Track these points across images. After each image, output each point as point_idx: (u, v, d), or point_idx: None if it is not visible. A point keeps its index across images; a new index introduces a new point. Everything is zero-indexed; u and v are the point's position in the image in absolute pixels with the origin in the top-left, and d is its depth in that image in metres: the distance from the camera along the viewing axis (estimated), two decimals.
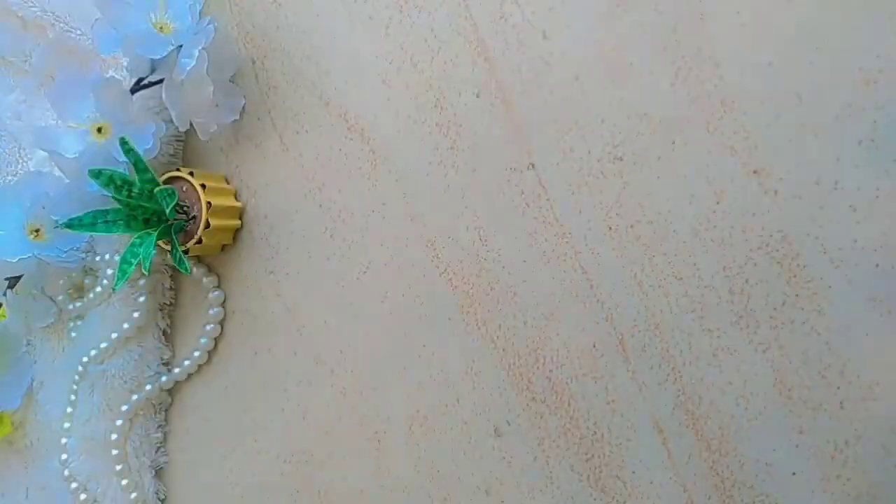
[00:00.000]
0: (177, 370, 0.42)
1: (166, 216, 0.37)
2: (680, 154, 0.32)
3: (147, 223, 0.38)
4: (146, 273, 0.38)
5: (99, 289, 0.42)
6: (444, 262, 0.36)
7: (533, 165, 0.34)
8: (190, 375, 0.43)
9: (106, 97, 0.37)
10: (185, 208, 0.38)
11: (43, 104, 0.45)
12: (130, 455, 0.42)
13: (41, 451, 0.45)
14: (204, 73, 0.36)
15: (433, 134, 0.36)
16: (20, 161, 0.45)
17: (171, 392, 0.43)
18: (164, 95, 0.37)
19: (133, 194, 0.37)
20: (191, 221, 0.38)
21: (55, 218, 0.39)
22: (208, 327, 0.41)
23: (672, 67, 0.32)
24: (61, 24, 0.42)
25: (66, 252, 0.41)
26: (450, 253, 0.36)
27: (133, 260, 0.37)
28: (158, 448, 0.43)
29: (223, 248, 0.41)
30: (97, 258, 0.42)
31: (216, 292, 0.41)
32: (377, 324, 0.38)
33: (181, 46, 0.36)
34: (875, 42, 0.29)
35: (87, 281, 0.43)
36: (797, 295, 0.30)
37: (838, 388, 0.30)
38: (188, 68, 0.35)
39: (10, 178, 0.45)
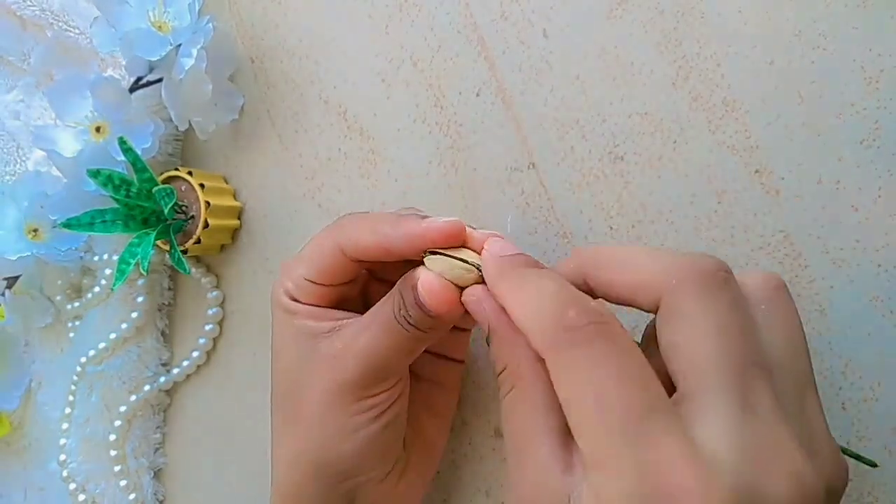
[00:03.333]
0: (175, 371, 0.42)
1: (165, 216, 0.37)
2: (681, 153, 0.32)
3: (145, 223, 0.38)
4: (144, 273, 0.37)
5: (97, 289, 0.42)
6: None
7: (533, 165, 0.34)
8: (189, 376, 0.42)
9: (104, 96, 0.37)
10: (183, 208, 0.38)
11: (41, 103, 0.45)
12: (129, 456, 0.42)
13: (40, 451, 0.45)
14: (203, 72, 0.36)
15: (433, 133, 0.36)
16: (18, 161, 0.45)
17: (169, 393, 0.43)
18: (162, 94, 0.37)
19: (131, 194, 0.37)
20: (189, 221, 0.38)
21: (53, 217, 0.39)
22: (207, 328, 0.41)
23: (673, 66, 0.32)
24: (60, 24, 0.42)
25: (64, 252, 0.40)
26: None
27: (131, 260, 0.37)
28: (157, 449, 0.43)
29: (222, 248, 0.41)
30: (95, 258, 0.42)
31: (215, 292, 0.41)
32: None
33: (180, 45, 0.36)
34: (877, 41, 0.29)
35: (85, 281, 0.43)
36: (799, 295, 0.30)
37: (840, 388, 0.30)
38: (187, 67, 0.35)
39: (8, 177, 0.45)
